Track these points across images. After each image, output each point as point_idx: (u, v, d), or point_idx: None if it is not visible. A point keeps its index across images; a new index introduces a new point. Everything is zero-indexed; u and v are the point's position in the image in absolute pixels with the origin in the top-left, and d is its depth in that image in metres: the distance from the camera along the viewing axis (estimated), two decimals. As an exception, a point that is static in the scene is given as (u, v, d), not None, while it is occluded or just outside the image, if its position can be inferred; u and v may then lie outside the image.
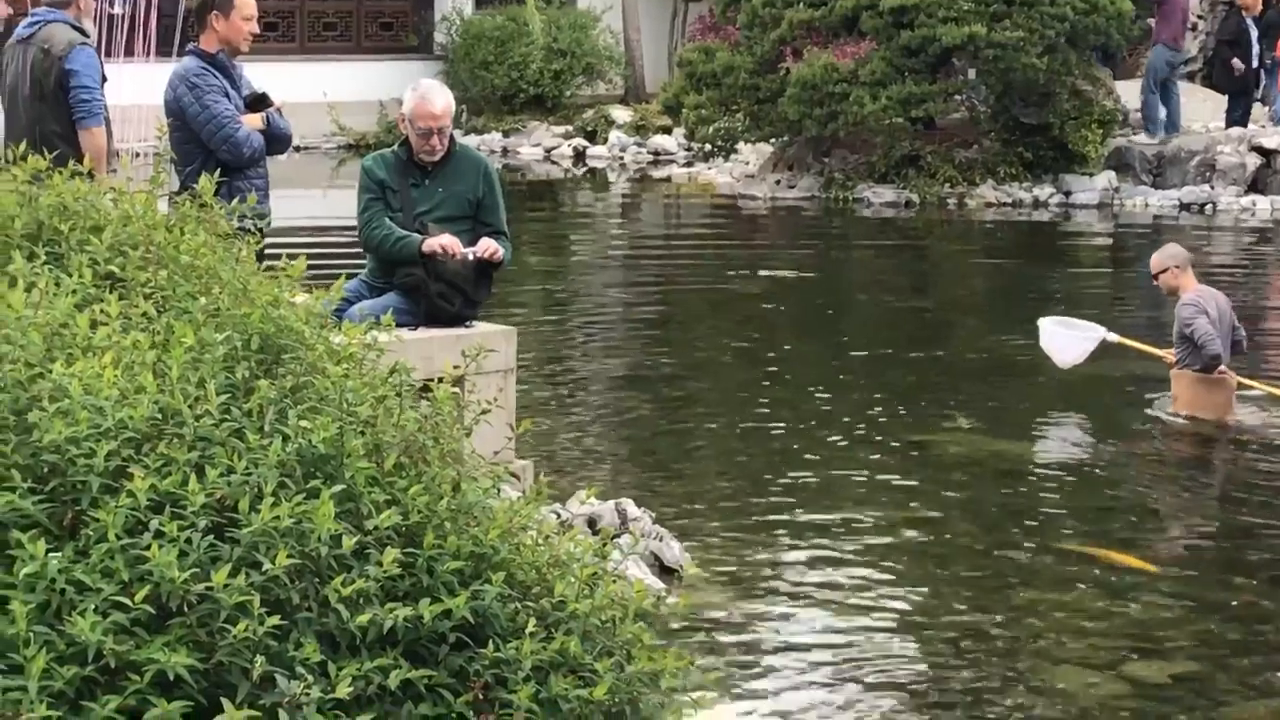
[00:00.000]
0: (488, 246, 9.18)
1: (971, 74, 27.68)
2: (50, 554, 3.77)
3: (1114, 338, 13.11)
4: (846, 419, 12.36)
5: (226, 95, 9.75)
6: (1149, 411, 12.67)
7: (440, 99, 9.26)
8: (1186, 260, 12.78)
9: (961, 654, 7.82)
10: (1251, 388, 12.69)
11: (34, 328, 4.36)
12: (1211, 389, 12.42)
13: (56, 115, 9.77)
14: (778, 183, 28.08)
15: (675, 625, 7.84)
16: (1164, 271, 12.69)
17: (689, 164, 32.95)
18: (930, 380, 13.69)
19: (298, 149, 33.33)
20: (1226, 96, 30.36)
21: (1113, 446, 11.98)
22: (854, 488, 10.54)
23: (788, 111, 26.92)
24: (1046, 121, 26.83)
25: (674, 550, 8.80)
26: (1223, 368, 12.38)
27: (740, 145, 30.03)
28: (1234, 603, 8.57)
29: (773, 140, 28.93)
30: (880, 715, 7.19)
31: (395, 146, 9.48)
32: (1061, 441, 12.13)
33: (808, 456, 11.29)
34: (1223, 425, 12.33)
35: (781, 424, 12.28)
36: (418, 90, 9.32)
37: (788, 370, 14.12)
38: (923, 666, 7.73)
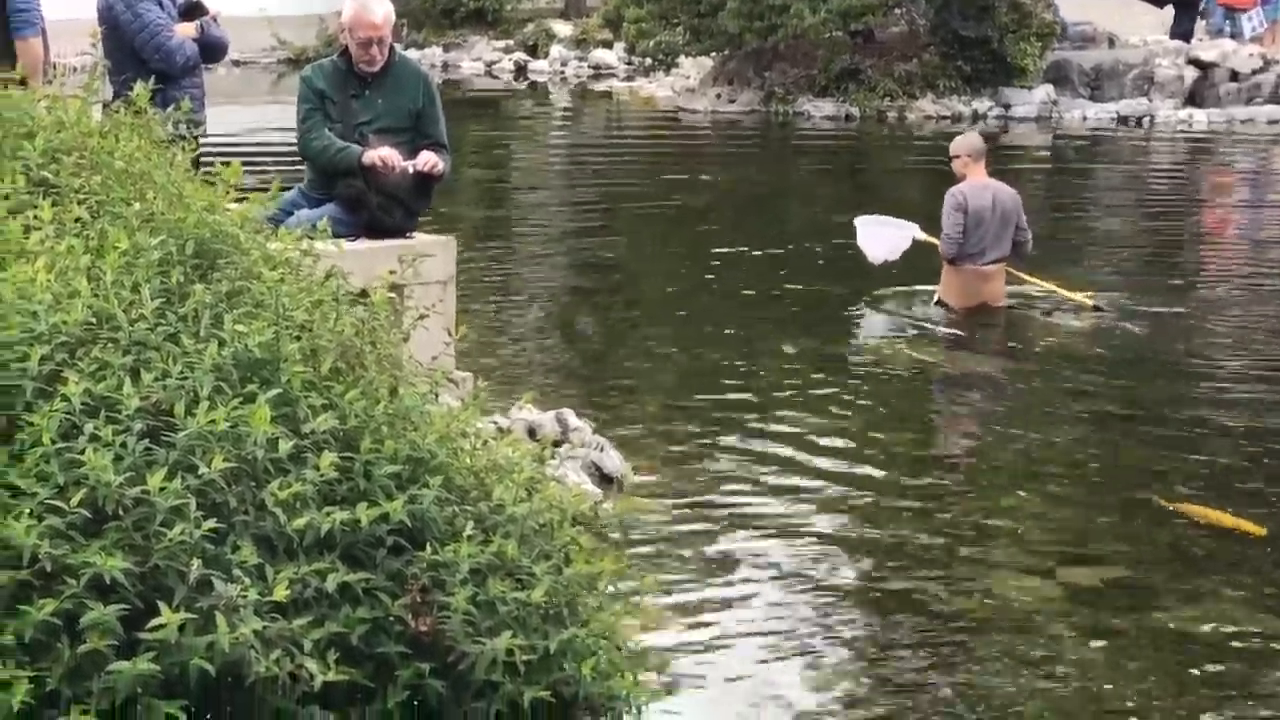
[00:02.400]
0: (428, 160, 9.14)
1: (911, -13, 27.66)
2: (-16, 458, 3.76)
3: (922, 236, 13.46)
4: (785, 330, 12.41)
5: (160, 4, 9.67)
6: (920, 306, 13.12)
7: (380, 9, 9.20)
8: (979, 153, 13.19)
9: (898, 560, 7.86)
10: (1024, 282, 13.19)
11: (-34, 233, 4.34)
12: (974, 280, 12.92)
13: (-5, 26, 9.67)
14: (718, 96, 28.03)
15: (613, 534, 7.85)
16: (956, 158, 13.19)
17: (630, 78, 32.86)
18: (865, 290, 13.71)
19: (236, 63, 33.14)
20: (1171, 9, 30.43)
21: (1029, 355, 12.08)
22: (793, 398, 10.56)
23: (728, 25, 26.87)
24: (985, 35, 26.82)
25: (614, 460, 8.81)
26: (988, 264, 12.92)
27: (681, 59, 29.95)
28: (1162, 509, 8.62)
29: (713, 54, 28.86)
30: (814, 622, 7.22)
31: (335, 57, 9.41)
32: (996, 349, 12.19)
33: (747, 368, 11.32)
34: (986, 312, 12.91)
35: (722, 335, 12.30)
36: (358, 1, 9.24)
37: (728, 282, 14.13)
38: (858, 573, 7.76)
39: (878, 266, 13.55)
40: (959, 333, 12.46)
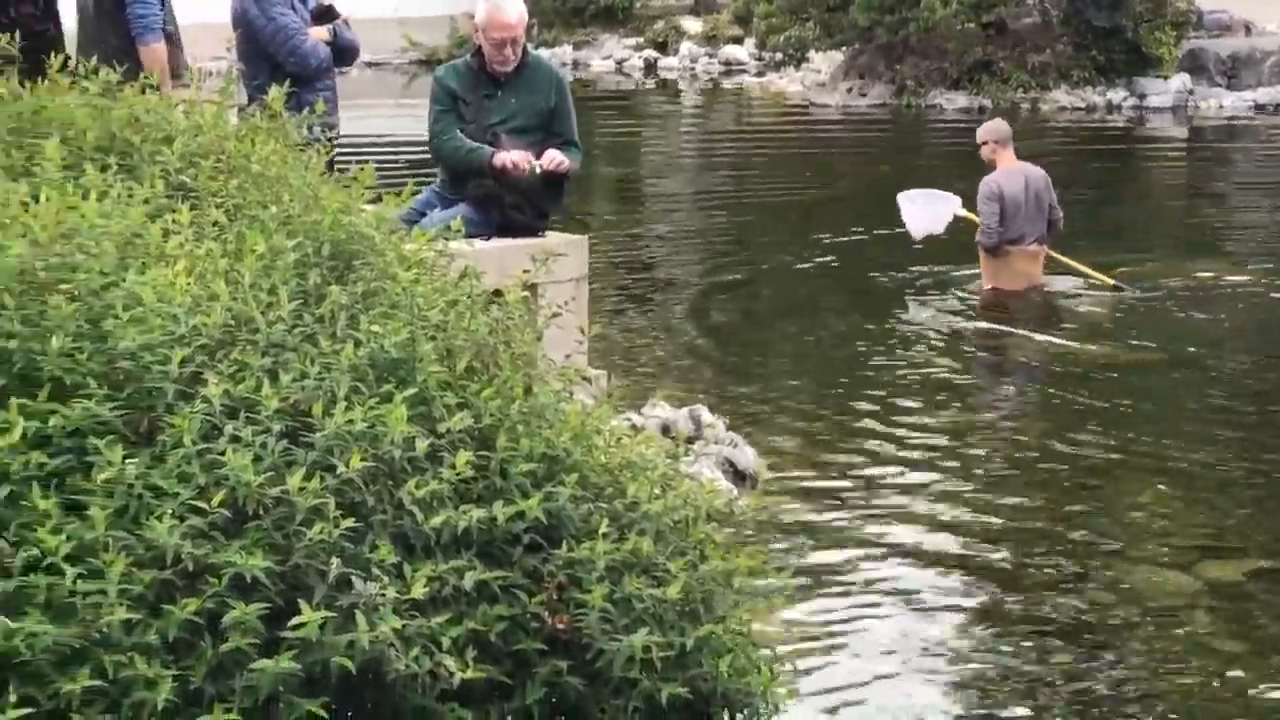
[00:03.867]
0: (552, 158, 9.10)
1: (1043, -23, 27.49)
2: (127, 460, 3.79)
3: (963, 212, 13.54)
4: (919, 325, 12.36)
5: (293, 7, 9.77)
6: (962, 291, 13.28)
7: (514, 9, 9.20)
8: (1006, 137, 13.27)
9: (1035, 555, 7.81)
10: (1062, 263, 13.28)
11: (107, 237, 4.38)
12: (1021, 262, 13.04)
13: (115, 29, 9.74)
14: (849, 91, 27.96)
15: (748, 531, 7.86)
16: (984, 145, 13.27)
17: (760, 74, 32.84)
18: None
19: (368, 65, 33.40)
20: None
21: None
22: (929, 393, 10.52)
23: (858, 19, 26.81)
24: (1119, 24, 26.60)
25: (748, 456, 8.81)
26: (1030, 245, 13.05)
27: (811, 54, 29.89)
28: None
29: (844, 48, 28.78)
30: (947, 615, 7.18)
31: (468, 57, 9.43)
32: (1130, 339, 12.08)
33: (881, 363, 11.29)
34: (1028, 293, 13.04)
35: (850, 326, 12.29)
36: (491, 1, 9.26)
37: (861, 277, 14.09)
38: (996, 568, 7.72)
39: (919, 241, 13.73)
40: (1065, 323, 12.41)
